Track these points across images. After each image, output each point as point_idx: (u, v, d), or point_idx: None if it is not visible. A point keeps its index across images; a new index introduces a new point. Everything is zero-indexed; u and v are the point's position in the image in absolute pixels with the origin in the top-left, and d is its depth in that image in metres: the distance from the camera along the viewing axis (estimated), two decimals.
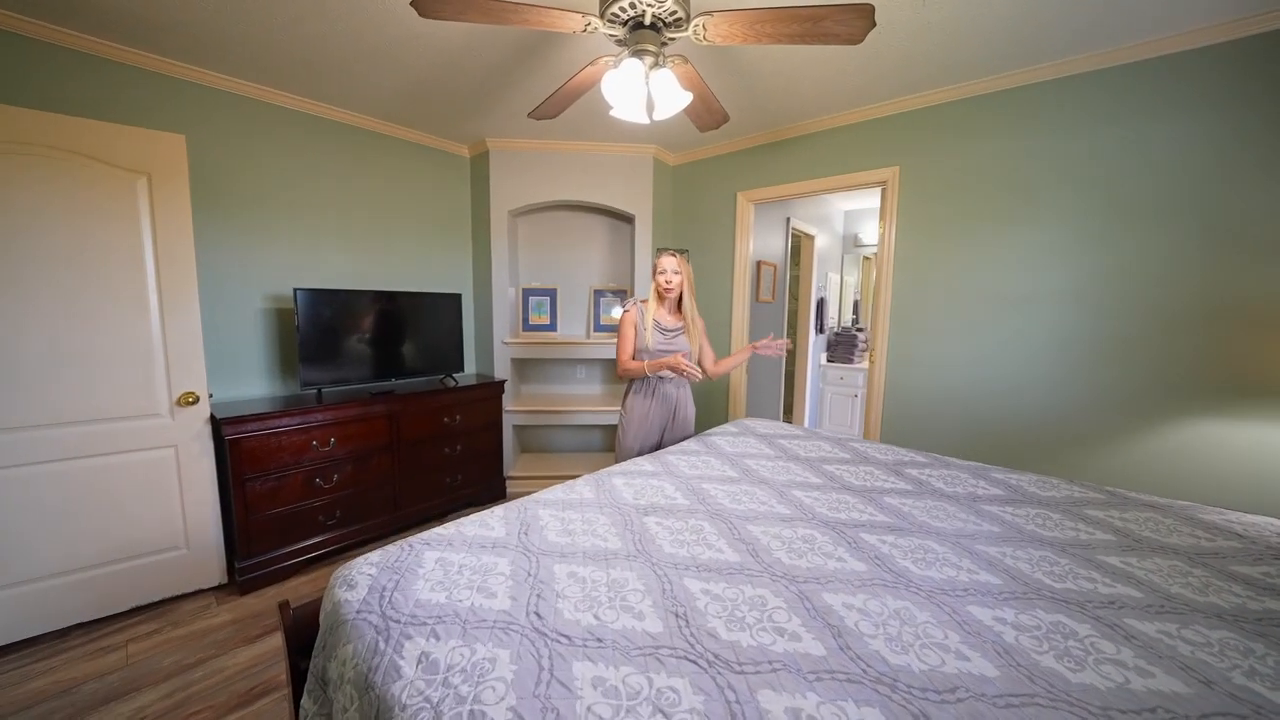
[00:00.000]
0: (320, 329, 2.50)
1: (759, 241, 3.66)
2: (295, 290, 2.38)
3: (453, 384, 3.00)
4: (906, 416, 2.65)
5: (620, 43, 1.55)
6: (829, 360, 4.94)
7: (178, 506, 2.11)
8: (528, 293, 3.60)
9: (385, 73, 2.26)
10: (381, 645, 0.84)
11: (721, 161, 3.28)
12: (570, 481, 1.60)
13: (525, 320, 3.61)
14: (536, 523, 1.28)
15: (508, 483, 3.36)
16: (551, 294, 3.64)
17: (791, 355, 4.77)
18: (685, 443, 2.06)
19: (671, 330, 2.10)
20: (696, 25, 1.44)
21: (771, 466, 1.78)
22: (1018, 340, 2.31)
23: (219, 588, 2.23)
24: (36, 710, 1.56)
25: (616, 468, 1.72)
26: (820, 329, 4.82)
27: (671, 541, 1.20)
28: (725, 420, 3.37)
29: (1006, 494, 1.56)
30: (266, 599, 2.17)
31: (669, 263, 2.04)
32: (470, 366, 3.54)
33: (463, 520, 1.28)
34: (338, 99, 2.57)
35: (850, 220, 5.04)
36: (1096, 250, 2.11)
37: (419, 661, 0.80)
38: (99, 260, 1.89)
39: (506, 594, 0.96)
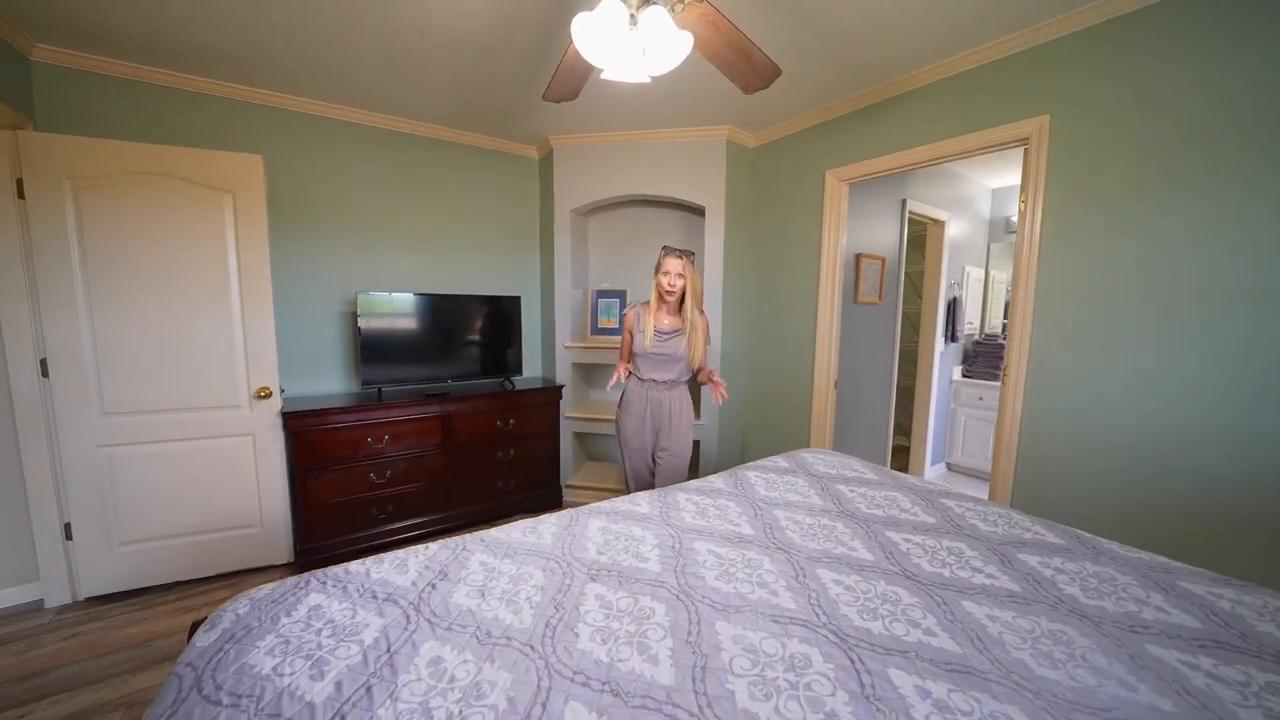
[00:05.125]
0: (380, 331, 2.62)
1: (860, 230, 3.04)
2: (357, 294, 2.52)
3: (510, 387, 2.97)
4: (1051, 460, 1.93)
5: None
6: (965, 375, 4.02)
7: (254, 488, 2.35)
8: (598, 294, 3.46)
9: (429, 73, 2.26)
10: None
11: (806, 136, 2.76)
12: (541, 518, 1.37)
13: (594, 323, 3.47)
14: (455, 571, 1.07)
15: (565, 491, 3.25)
16: (621, 295, 3.45)
17: (910, 364, 3.96)
18: (711, 478, 1.70)
19: (668, 333, 2.08)
20: None
21: (809, 525, 1.35)
22: (1229, 358, 1.50)
23: (287, 565, 2.45)
24: (121, 655, 1.82)
25: (603, 506, 1.45)
26: (952, 336, 3.92)
27: (605, 653, 0.86)
28: (803, 444, 2.85)
29: (1204, 627, 0.93)
30: None
31: (673, 264, 2.00)
32: (534, 370, 3.51)
33: (386, 557, 1.13)
34: (396, 107, 2.65)
35: (999, 200, 4.02)
36: None
37: None
38: (196, 268, 2.16)
39: (332, 680, 0.76)
